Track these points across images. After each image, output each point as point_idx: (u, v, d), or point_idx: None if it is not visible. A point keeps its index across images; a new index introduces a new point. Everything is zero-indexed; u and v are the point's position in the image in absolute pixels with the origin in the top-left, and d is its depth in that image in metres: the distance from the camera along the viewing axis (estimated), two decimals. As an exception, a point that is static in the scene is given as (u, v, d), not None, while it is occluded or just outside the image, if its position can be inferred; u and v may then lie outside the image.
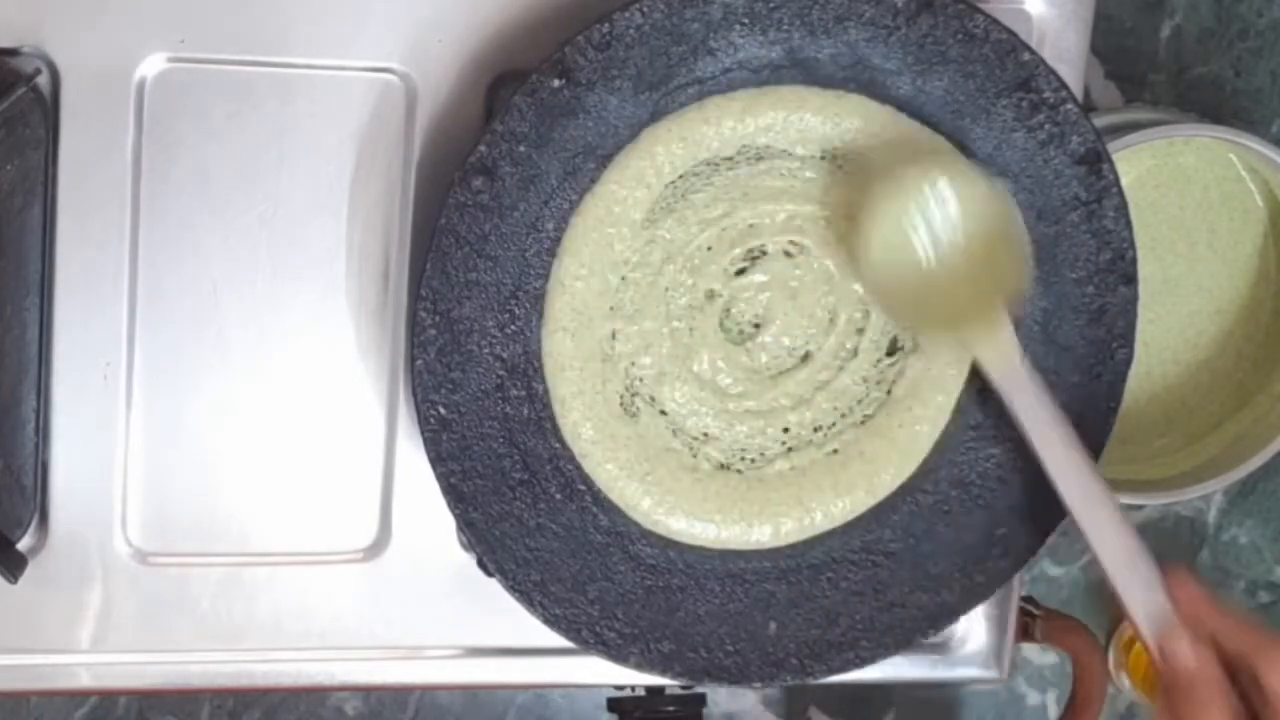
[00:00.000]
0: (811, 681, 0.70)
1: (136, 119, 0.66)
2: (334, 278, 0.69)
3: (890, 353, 0.70)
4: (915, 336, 0.69)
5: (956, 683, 0.78)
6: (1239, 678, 0.58)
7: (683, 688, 0.75)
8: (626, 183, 0.66)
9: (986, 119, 0.67)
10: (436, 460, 0.65)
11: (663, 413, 0.69)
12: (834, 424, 0.70)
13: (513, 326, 0.66)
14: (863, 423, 0.70)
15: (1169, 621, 0.60)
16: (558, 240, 0.66)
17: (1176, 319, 0.89)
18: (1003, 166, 0.67)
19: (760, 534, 0.70)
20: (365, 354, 0.70)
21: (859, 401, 0.70)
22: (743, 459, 0.70)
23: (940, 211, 0.64)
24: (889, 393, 0.70)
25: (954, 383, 0.70)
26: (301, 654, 0.71)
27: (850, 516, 0.70)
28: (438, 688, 0.89)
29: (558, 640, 0.68)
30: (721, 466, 0.70)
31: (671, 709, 0.75)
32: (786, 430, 0.70)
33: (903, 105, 0.67)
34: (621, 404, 0.69)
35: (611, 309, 0.67)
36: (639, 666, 0.68)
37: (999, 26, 0.65)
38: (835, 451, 0.70)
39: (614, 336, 0.68)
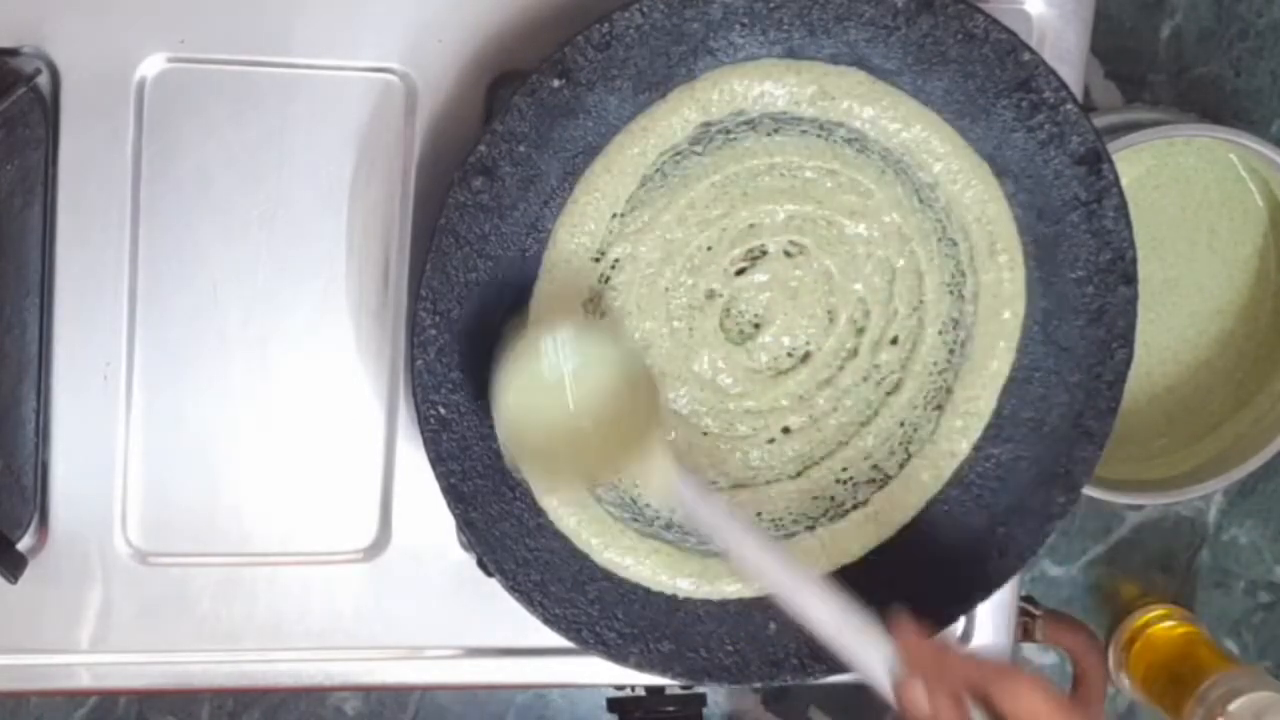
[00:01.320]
0: (811, 681, 0.70)
1: (136, 119, 0.66)
2: (334, 278, 0.69)
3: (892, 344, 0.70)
4: (573, 487, 0.67)
5: (956, 683, 0.78)
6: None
7: (683, 688, 0.75)
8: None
9: (986, 119, 0.67)
10: (436, 460, 0.65)
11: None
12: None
13: (513, 326, 0.67)
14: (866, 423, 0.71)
15: (900, 672, 0.60)
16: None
17: (1176, 319, 0.90)
18: (1003, 166, 0.67)
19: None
20: (365, 354, 0.70)
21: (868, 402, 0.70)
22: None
23: (571, 364, 0.63)
24: (890, 394, 0.70)
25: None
26: (301, 654, 0.71)
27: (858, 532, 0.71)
28: (438, 688, 0.89)
29: (558, 640, 0.68)
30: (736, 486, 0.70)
31: (671, 709, 0.75)
32: (787, 431, 0.70)
33: (903, 105, 0.67)
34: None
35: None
36: (639, 666, 0.68)
37: (999, 26, 0.65)
38: (845, 469, 0.71)
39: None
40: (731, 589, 0.70)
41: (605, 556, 0.68)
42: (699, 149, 0.66)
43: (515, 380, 0.62)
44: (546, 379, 0.62)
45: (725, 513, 0.64)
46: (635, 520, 0.69)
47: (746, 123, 0.66)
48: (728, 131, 0.66)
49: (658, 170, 0.66)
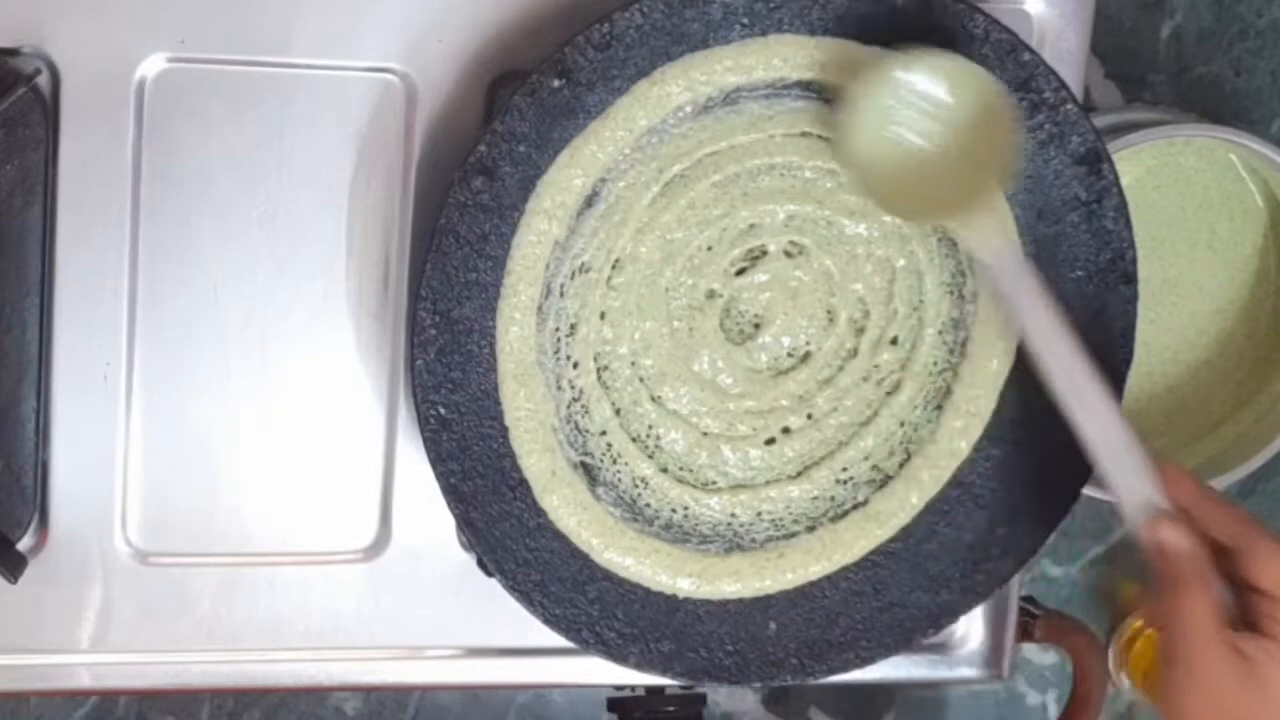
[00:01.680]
0: (811, 681, 0.70)
1: (136, 119, 0.66)
2: (334, 278, 0.69)
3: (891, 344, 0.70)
4: (912, 225, 0.67)
5: (956, 683, 0.78)
6: (1228, 567, 0.59)
7: (683, 688, 0.75)
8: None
9: (986, 119, 0.67)
10: (436, 460, 0.65)
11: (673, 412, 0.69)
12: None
13: (513, 326, 0.67)
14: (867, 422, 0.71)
15: (1159, 507, 0.60)
16: (558, 240, 0.67)
17: (1176, 319, 0.89)
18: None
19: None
20: (365, 354, 0.70)
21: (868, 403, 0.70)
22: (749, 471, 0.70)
23: (923, 98, 0.62)
24: (890, 394, 0.70)
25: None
26: (301, 654, 0.71)
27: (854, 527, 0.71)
28: (438, 688, 0.89)
29: (558, 640, 0.68)
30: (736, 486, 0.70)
31: (671, 709, 0.75)
32: (787, 431, 0.70)
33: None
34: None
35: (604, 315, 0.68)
36: (639, 666, 0.69)
37: (999, 26, 0.65)
38: (845, 469, 0.71)
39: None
40: (731, 589, 0.70)
41: (605, 556, 0.68)
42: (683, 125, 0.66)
43: (872, 100, 0.61)
44: (908, 103, 0.61)
45: (1037, 289, 0.62)
46: (635, 520, 0.69)
47: (735, 97, 0.66)
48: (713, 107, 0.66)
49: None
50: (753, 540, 0.70)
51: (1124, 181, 0.68)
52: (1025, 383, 0.70)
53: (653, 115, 0.65)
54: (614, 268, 0.67)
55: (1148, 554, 0.60)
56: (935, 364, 0.70)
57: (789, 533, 0.70)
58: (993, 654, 0.76)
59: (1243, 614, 0.58)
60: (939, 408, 0.70)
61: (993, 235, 0.63)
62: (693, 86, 0.65)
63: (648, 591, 0.69)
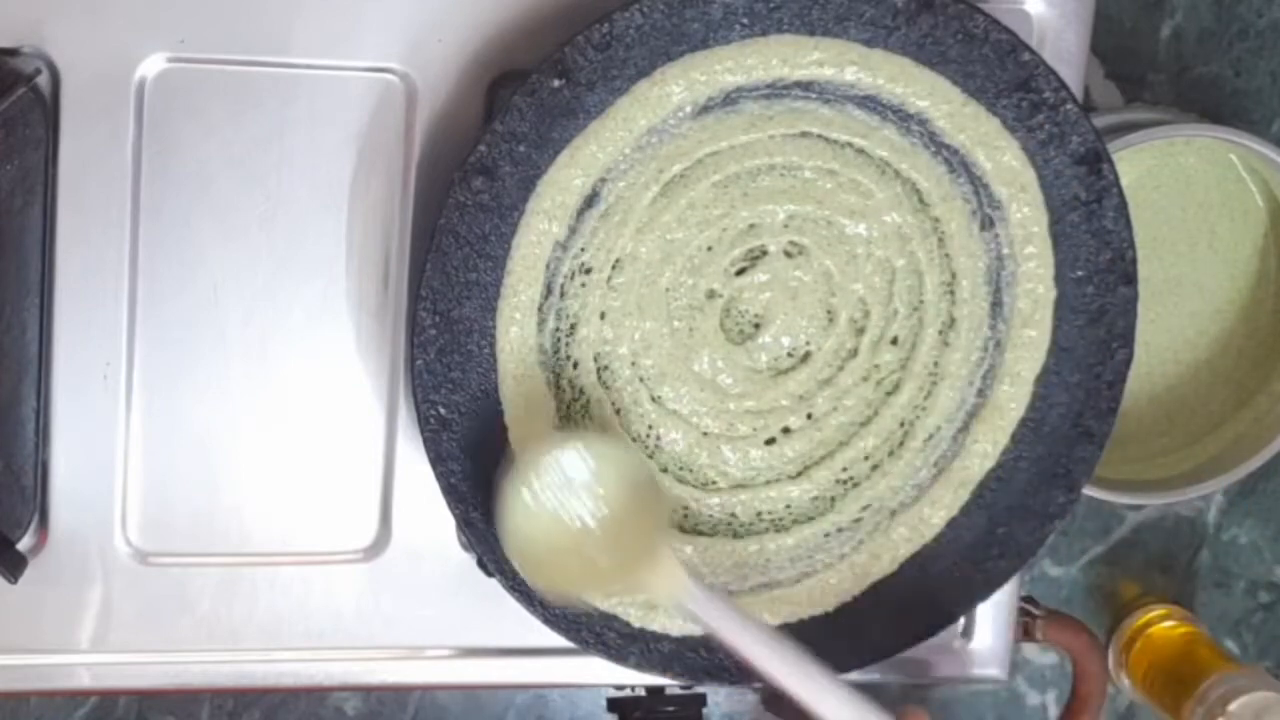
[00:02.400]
0: (811, 681, 0.70)
1: (136, 119, 0.66)
2: (334, 278, 0.69)
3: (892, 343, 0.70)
4: (587, 597, 0.67)
5: (956, 683, 0.78)
6: None
7: (683, 688, 0.75)
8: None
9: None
10: (436, 460, 0.65)
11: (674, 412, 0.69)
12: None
13: (513, 326, 0.67)
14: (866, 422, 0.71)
15: None
16: (558, 240, 0.67)
17: (1176, 319, 0.89)
18: (1003, 166, 0.68)
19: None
20: (365, 354, 0.70)
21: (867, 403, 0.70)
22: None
23: (575, 479, 0.63)
24: (890, 394, 0.70)
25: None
26: (301, 654, 0.71)
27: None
28: (438, 688, 0.89)
29: (558, 640, 0.68)
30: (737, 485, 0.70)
31: (671, 709, 0.75)
32: (787, 431, 0.70)
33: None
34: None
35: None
36: (639, 666, 0.68)
37: (999, 26, 0.65)
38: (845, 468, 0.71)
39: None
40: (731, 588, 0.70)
41: None
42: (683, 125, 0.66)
43: (512, 512, 0.62)
44: (540, 507, 0.62)
45: (736, 616, 0.64)
46: None
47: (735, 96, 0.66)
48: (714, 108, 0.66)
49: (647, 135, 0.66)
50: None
51: (1124, 181, 0.68)
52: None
53: (653, 115, 0.65)
54: (614, 268, 0.67)
55: None
56: (935, 364, 0.70)
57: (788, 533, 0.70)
58: (993, 654, 0.76)
59: None
60: (965, 427, 0.70)
61: (670, 586, 0.64)
62: (693, 86, 0.65)
63: (647, 592, 0.69)
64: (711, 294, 0.69)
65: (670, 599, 0.65)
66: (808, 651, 0.63)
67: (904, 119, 0.67)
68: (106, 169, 0.66)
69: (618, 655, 0.68)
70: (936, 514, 0.70)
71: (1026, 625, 0.81)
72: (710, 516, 0.70)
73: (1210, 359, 0.90)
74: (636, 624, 0.68)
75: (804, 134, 0.67)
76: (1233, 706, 0.87)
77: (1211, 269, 0.89)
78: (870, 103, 0.67)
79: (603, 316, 0.68)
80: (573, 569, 0.63)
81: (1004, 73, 0.66)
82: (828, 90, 0.66)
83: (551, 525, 0.63)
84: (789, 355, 0.70)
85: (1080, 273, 0.69)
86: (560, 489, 0.62)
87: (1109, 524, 0.98)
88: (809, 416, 0.70)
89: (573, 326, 0.67)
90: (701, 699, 0.76)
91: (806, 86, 0.66)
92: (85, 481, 0.68)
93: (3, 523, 0.66)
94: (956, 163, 0.68)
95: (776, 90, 0.66)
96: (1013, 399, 0.70)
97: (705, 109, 0.66)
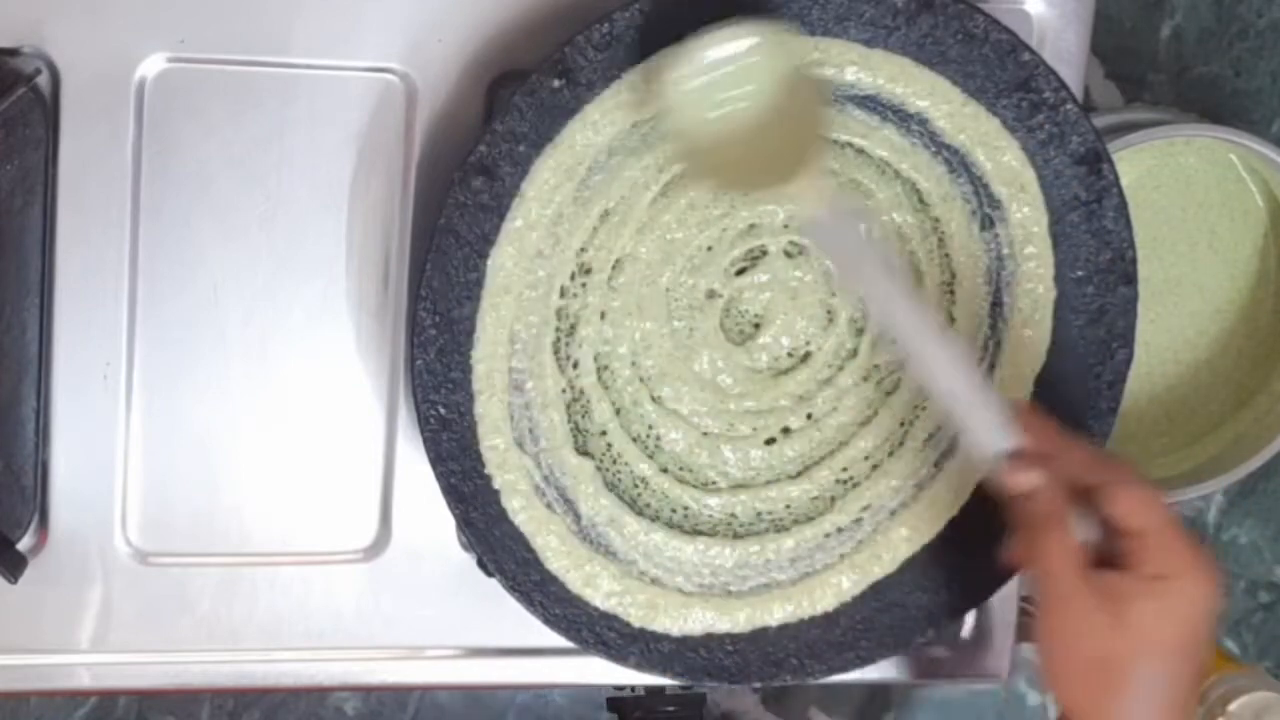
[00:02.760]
0: (811, 681, 0.70)
1: (136, 119, 0.66)
2: (334, 278, 0.69)
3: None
4: (740, 194, 0.66)
5: (956, 683, 0.78)
6: (1092, 507, 0.59)
7: (683, 688, 0.75)
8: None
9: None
10: (436, 460, 0.65)
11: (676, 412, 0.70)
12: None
13: (513, 326, 0.67)
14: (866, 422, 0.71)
15: (1017, 454, 0.60)
16: (558, 240, 0.67)
17: (1176, 319, 0.89)
18: (1003, 166, 0.68)
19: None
20: (365, 354, 0.70)
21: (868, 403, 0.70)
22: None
23: (734, 73, 0.61)
24: (889, 394, 0.70)
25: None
26: (301, 654, 0.71)
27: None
28: (438, 688, 0.89)
29: (558, 640, 0.68)
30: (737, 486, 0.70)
31: (671, 709, 0.75)
32: (787, 431, 0.70)
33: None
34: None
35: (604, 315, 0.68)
36: (639, 666, 0.68)
37: (999, 26, 0.66)
38: (845, 469, 0.71)
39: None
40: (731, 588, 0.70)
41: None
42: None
43: (685, 84, 0.61)
44: (716, 89, 0.61)
45: (865, 247, 0.62)
46: (635, 519, 0.69)
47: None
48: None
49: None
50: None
51: (1124, 181, 0.68)
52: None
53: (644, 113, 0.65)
54: (614, 268, 0.67)
55: (1008, 499, 0.60)
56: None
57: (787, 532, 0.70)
58: (993, 654, 0.76)
59: (1109, 552, 0.58)
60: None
61: (816, 198, 0.62)
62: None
63: (647, 592, 0.69)
64: (711, 294, 0.69)
65: (811, 208, 0.63)
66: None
67: (904, 119, 0.67)
68: (106, 169, 0.66)
69: (618, 655, 0.68)
70: (936, 514, 0.70)
71: (1026, 625, 0.81)
72: (710, 516, 0.70)
73: (1210, 359, 0.90)
74: (636, 624, 0.68)
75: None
76: (1233, 706, 0.87)
77: (1211, 269, 0.89)
78: (870, 103, 0.67)
79: (603, 316, 0.68)
80: (730, 158, 0.62)
81: (1004, 73, 0.66)
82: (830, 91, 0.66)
83: (716, 108, 0.61)
84: (789, 355, 0.70)
85: (1080, 273, 0.69)
86: (728, 76, 0.61)
87: (1109, 524, 0.98)
88: (809, 416, 0.70)
89: (573, 326, 0.67)
90: (701, 699, 0.76)
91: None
92: (85, 481, 0.68)
93: (3, 523, 0.66)
94: (956, 163, 0.68)
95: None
96: (1011, 398, 0.70)
97: None
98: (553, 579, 0.67)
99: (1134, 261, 0.68)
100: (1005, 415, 0.60)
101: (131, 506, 0.69)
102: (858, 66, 0.66)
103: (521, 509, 0.67)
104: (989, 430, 0.60)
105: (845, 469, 0.71)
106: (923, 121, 0.67)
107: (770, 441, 0.70)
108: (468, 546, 0.70)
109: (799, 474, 0.70)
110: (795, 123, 0.62)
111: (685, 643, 0.69)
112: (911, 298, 0.62)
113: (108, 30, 0.65)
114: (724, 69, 0.61)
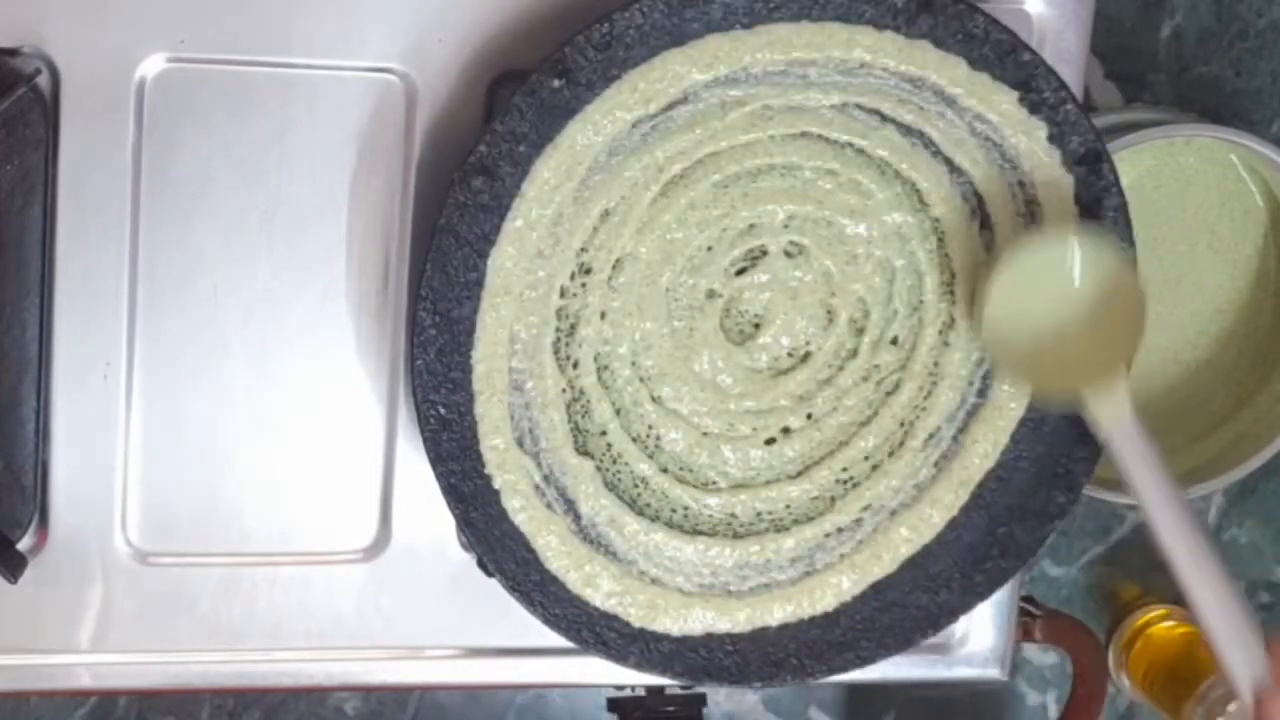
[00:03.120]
0: (811, 681, 0.70)
1: (136, 119, 0.66)
2: (334, 278, 0.69)
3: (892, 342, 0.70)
4: (1027, 391, 0.69)
5: (956, 683, 0.78)
6: None
7: (683, 688, 0.75)
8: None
9: (986, 119, 0.67)
10: (436, 460, 0.65)
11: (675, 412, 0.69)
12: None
13: (513, 326, 0.67)
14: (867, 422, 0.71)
15: (1268, 683, 0.61)
16: (558, 240, 0.67)
17: (1176, 319, 0.89)
18: (1003, 166, 0.68)
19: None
20: (365, 354, 0.70)
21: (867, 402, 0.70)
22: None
23: (1066, 273, 0.65)
24: (889, 395, 0.70)
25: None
26: (301, 654, 0.71)
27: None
28: (438, 688, 0.89)
29: (558, 640, 0.68)
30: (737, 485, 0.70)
31: (671, 709, 0.75)
32: (787, 431, 0.70)
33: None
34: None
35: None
36: (639, 666, 0.68)
37: (999, 26, 0.65)
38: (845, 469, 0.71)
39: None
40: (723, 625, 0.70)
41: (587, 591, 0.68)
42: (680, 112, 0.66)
43: (1012, 274, 0.64)
44: (1046, 279, 0.64)
45: (1156, 463, 0.64)
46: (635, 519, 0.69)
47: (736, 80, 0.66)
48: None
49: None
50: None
51: (1124, 181, 0.68)
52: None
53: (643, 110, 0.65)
54: (614, 268, 0.67)
55: None
56: (935, 364, 0.70)
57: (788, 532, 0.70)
58: (993, 654, 0.76)
59: None
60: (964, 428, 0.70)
61: (1116, 408, 0.65)
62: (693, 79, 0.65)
63: (647, 592, 0.69)
64: (711, 294, 0.69)
65: (1108, 421, 0.65)
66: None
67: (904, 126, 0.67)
68: (106, 169, 0.66)
69: (618, 655, 0.68)
70: (936, 514, 0.70)
71: (1026, 625, 0.81)
72: (710, 516, 0.70)
73: (1210, 359, 0.90)
74: (636, 624, 0.68)
75: (804, 134, 0.67)
76: (1233, 706, 0.87)
77: (1211, 269, 0.89)
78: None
79: (603, 316, 0.68)
80: (1036, 354, 0.65)
81: (1004, 73, 0.66)
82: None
83: (1032, 307, 0.65)
84: (789, 355, 0.70)
85: (1080, 273, 0.69)
86: (1049, 276, 0.64)
87: (1109, 524, 0.98)
88: (809, 417, 0.70)
89: (573, 327, 0.67)
90: (701, 699, 0.76)
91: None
92: (85, 481, 0.68)
93: (3, 523, 0.66)
94: (956, 163, 0.68)
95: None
96: (1013, 399, 0.70)
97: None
98: (553, 579, 0.67)
99: (1134, 261, 0.68)
100: (1261, 645, 0.62)
101: (131, 506, 0.69)
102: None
103: (521, 509, 0.67)
104: (1244, 657, 0.62)
105: (845, 469, 0.71)
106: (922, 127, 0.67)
107: (770, 441, 0.70)
108: (468, 546, 0.70)
109: (799, 474, 0.70)
110: (1107, 327, 0.65)
111: (685, 643, 0.69)
112: (1190, 515, 0.64)
113: (108, 30, 0.65)
114: (1046, 270, 0.64)
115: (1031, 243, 0.66)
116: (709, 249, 0.68)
